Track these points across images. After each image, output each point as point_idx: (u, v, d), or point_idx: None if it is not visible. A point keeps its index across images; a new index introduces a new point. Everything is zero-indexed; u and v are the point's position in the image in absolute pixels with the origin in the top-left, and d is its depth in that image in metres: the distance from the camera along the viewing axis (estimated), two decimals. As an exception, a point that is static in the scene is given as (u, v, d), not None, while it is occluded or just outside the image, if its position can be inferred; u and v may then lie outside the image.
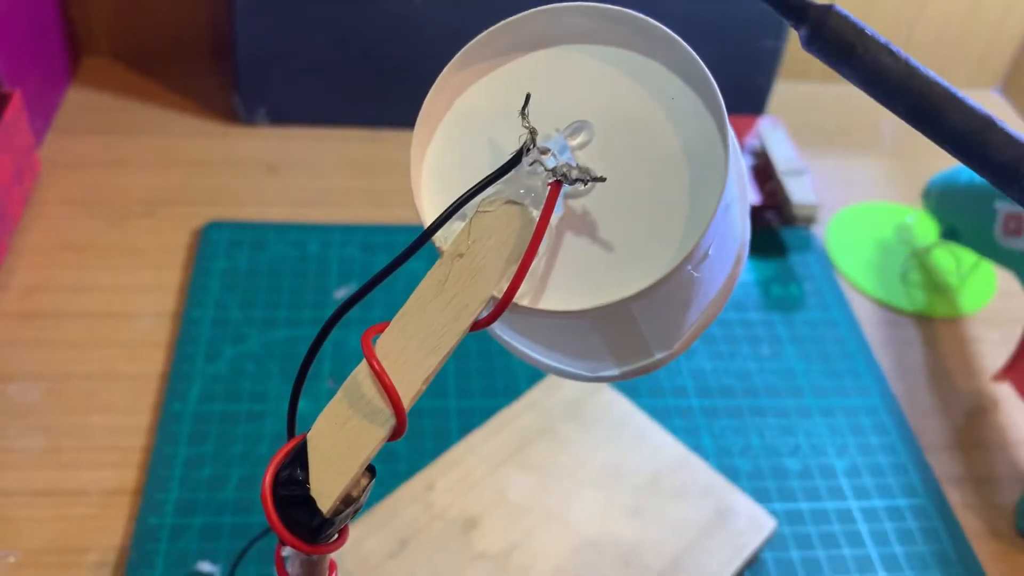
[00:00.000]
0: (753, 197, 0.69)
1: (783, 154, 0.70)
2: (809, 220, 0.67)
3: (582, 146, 0.27)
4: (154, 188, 0.67)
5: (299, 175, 0.70)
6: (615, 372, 0.29)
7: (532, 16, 0.28)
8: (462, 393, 0.55)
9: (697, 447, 0.54)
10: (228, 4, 0.70)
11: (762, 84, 0.78)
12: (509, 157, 0.26)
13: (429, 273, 0.26)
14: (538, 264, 0.26)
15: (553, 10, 0.27)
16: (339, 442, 0.25)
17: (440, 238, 0.26)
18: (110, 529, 0.47)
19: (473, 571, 0.46)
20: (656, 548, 0.47)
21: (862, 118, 0.85)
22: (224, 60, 0.79)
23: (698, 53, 0.26)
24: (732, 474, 0.53)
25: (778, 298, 0.65)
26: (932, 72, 0.24)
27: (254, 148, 0.72)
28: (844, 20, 0.24)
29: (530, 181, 0.26)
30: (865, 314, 0.65)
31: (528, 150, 0.26)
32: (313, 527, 0.24)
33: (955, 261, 0.68)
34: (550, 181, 0.25)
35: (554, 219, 0.26)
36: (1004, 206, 0.57)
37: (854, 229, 0.72)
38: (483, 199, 0.26)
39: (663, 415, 0.56)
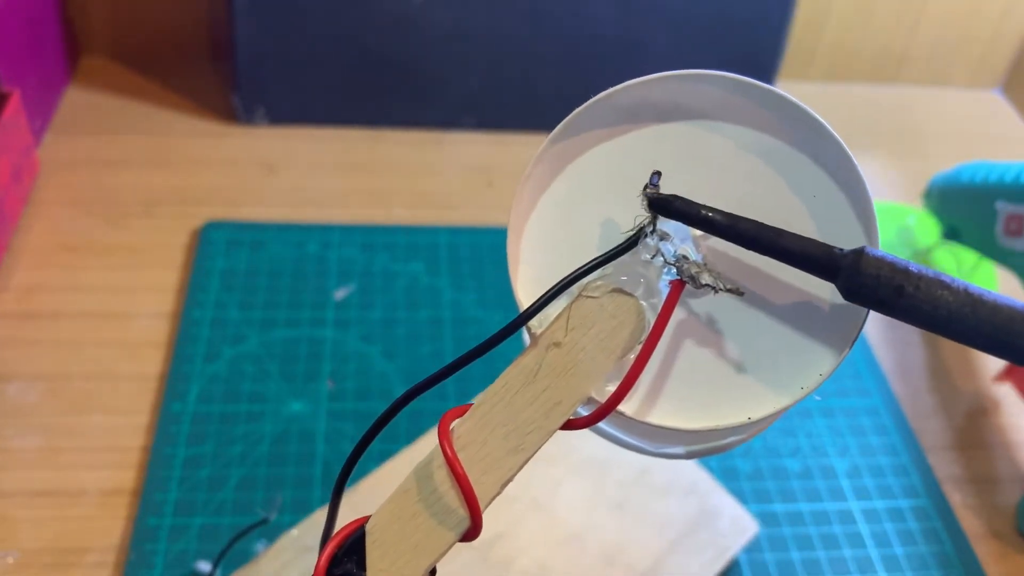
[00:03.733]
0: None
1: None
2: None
3: (707, 237, 0.23)
4: (153, 188, 0.67)
5: (298, 175, 0.70)
6: (680, 451, 0.27)
7: (663, 80, 0.24)
8: (461, 395, 0.55)
9: (697, 448, 0.54)
10: (227, 4, 0.70)
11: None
12: (624, 238, 0.23)
13: (518, 359, 0.23)
14: (664, 371, 0.24)
15: (690, 76, 0.24)
16: (404, 539, 0.22)
17: (534, 321, 0.24)
18: (109, 529, 0.47)
19: (454, 560, 0.45)
20: (640, 546, 0.47)
21: (862, 118, 0.85)
22: (223, 60, 0.78)
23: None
24: (732, 474, 0.53)
25: (778, 298, 0.65)
26: (995, 294, 0.21)
27: (253, 148, 0.72)
28: (880, 261, 0.21)
29: (644, 269, 0.24)
30: (865, 314, 0.65)
31: (647, 234, 0.23)
32: None
33: (956, 261, 0.68)
34: (672, 280, 0.23)
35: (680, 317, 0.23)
36: (1005, 206, 0.57)
37: (854, 229, 0.72)
38: (587, 282, 0.23)
39: (663, 416, 0.56)
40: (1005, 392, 0.60)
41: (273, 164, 0.70)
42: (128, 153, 0.70)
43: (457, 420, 0.23)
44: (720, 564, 0.47)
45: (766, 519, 0.51)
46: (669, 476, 0.50)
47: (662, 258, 0.23)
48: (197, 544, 0.46)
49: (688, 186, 0.23)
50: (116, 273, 0.60)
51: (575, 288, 0.23)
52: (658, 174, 0.23)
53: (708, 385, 0.23)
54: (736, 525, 0.49)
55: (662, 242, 0.22)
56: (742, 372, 0.23)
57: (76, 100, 0.74)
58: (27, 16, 0.67)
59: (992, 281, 0.68)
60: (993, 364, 0.62)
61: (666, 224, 0.23)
